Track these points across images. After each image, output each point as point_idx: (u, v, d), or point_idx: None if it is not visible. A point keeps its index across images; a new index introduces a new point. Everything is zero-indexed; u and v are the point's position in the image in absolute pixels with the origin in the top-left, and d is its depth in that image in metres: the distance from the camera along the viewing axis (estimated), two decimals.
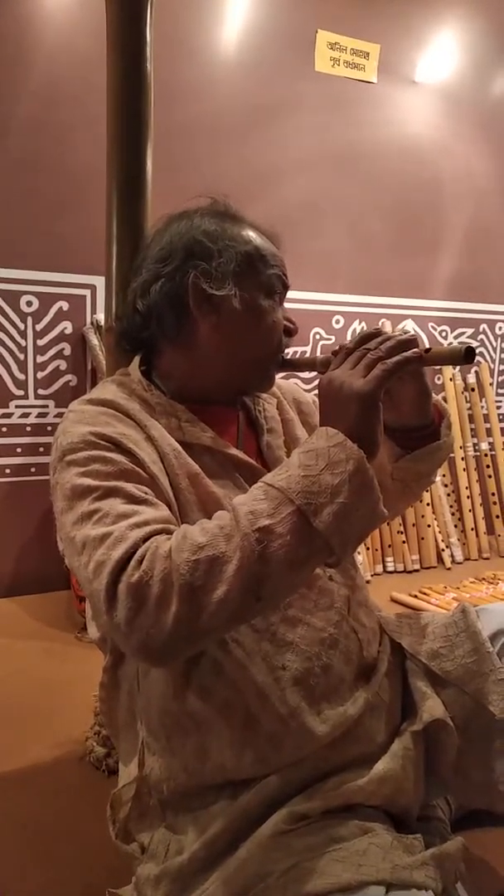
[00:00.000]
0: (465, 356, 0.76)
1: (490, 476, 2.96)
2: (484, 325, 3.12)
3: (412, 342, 0.77)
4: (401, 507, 1.07)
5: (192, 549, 0.67)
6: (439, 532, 2.78)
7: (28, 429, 2.28)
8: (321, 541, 0.68)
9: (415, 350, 0.76)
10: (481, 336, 3.12)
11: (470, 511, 2.86)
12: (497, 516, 2.96)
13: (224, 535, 0.68)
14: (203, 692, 0.79)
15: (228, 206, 0.96)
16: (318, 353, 2.67)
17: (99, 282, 2.27)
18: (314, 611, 0.84)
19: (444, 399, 2.91)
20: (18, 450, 2.27)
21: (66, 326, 2.29)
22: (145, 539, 0.70)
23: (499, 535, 2.94)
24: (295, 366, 0.97)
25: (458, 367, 3.03)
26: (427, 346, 0.81)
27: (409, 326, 2.91)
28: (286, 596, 0.79)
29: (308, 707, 0.80)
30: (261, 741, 0.79)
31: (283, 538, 0.67)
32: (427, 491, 2.73)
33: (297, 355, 2.60)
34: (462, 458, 2.88)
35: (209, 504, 0.82)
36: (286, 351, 0.96)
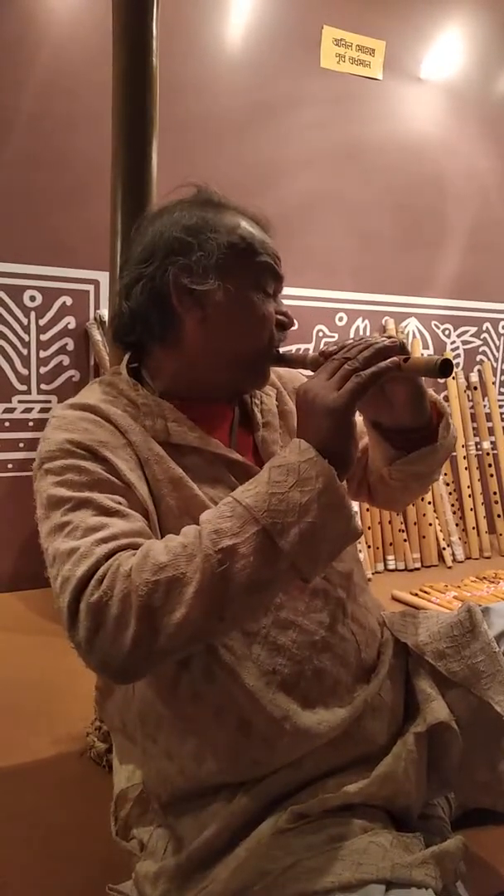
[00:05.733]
0: (441, 369, 0.72)
1: (492, 475, 2.96)
2: (487, 324, 3.11)
3: (391, 350, 0.74)
4: (404, 501, 1.06)
5: (152, 569, 0.66)
6: (440, 530, 2.78)
7: (31, 424, 2.28)
8: (287, 562, 0.66)
9: (393, 359, 0.73)
10: (484, 335, 3.11)
11: (471, 510, 2.86)
12: (498, 515, 2.96)
13: (186, 554, 0.66)
14: (196, 697, 0.79)
15: (212, 194, 0.92)
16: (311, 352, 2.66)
17: (102, 277, 2.26)
18: (306, 613, 0.83)
19: (447, 398, 2.91)
20: (21, 445, 2.27)
21: (70, 321, 2.29)
22: (109, 556, 0.69)
23: (500, 534, 2.94)
24: (287, 362, 0.93)
25: (459, 366, 3.03)
26: (408, 353, 0.77)
27: (413, 325, 2.91)
28: (255, 614, 0.78)
29: (301, 709, 0.79)
30: (255, 744, 0.78)
31: (247, 559, 0.65)
32: (429, 489, 2.72)
33: (301, 352, 2.60)
34: (464, 457, 2.88)
35: (194, 508, 0.79)
36: (281, 346, 0.93)
